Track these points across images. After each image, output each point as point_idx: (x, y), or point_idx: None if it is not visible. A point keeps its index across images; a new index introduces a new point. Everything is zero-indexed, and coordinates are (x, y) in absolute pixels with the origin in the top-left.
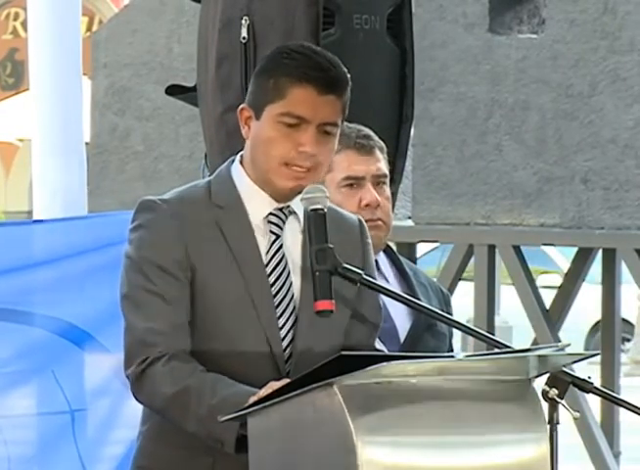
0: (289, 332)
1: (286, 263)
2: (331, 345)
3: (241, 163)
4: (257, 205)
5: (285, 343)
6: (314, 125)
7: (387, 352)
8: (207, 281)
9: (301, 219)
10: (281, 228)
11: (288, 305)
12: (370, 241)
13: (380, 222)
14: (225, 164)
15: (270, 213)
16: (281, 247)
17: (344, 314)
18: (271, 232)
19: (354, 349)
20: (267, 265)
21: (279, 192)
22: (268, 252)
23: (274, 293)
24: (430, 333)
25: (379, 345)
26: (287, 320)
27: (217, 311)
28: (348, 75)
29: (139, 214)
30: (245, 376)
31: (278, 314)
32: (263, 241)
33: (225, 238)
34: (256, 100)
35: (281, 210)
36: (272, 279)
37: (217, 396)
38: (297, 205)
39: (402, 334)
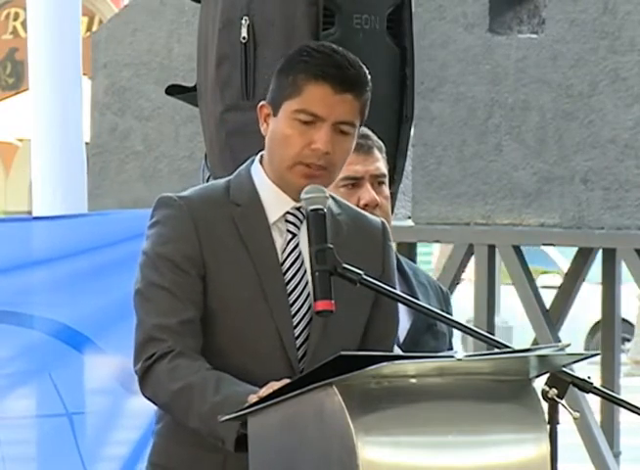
0: (303, 331)
1: (302, 262)
2: (345, 346)
3: (261, 162)
4: (275, 203)
5: (299, 341)
6: (329, 124)
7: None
8: (221, 278)
9: None
10: (298, 227)
11: (303, 303)
12: (392, 244)
13: None
14: (246, 163)
15: (288, 212)
16: (297, 246)
17: (360, 318)
18: (288, 231)
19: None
20: (283, 264)
21: (294, 190)
22: (284, 250)
23: (289, 291)
24: (430, 333)
25: (397, 351)
26: (301, 319)
27: (230, 308)
28: (369, 76)
29: (157, 211)
30: (258, 374)
31: (292, 313)
32: (280, 239)
33: (241, 235)
34: (275, 97)
35: (298, 209)
36: (287, 277)
37: (220, 393)
38: None
39: (402, 333)
